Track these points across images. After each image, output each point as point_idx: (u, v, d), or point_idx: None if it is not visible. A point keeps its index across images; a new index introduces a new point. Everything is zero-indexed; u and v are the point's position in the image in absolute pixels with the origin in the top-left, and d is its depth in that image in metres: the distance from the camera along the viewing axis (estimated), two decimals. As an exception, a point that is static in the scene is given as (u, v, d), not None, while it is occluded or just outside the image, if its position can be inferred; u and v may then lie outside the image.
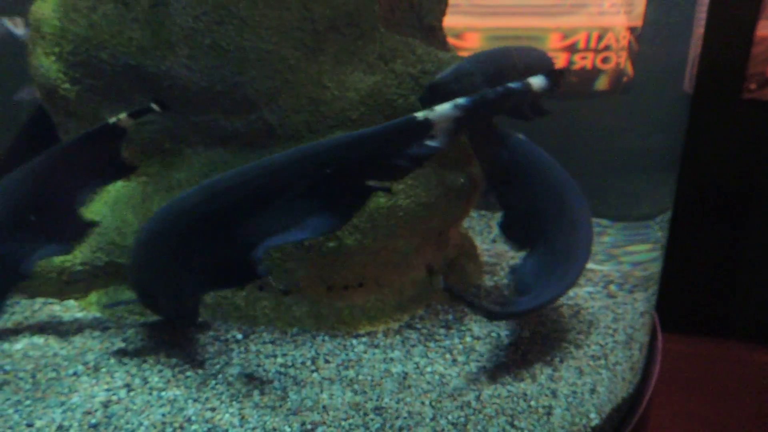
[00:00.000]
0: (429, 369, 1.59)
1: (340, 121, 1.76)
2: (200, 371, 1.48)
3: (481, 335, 1.79)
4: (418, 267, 2.01)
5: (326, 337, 1.74)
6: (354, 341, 1.75)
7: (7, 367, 1.51)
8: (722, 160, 2.86)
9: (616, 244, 2.62)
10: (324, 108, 1.74)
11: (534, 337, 1.75)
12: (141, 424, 1.28)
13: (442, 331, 1.85)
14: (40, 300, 1.93)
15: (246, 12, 1.63)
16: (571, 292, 2.13)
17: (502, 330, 1.82)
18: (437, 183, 1.88)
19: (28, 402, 1.35)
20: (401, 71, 1.82)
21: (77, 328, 1.78)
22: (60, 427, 1.27)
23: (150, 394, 1.37)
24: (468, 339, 1.77)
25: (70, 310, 1.90)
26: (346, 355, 1.64)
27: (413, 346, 1.75)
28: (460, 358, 1.65)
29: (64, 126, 1.97)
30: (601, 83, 2.64)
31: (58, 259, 1.88)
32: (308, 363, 1.56)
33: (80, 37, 1.73)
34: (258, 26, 1.64)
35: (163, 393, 1.36)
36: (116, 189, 1.95)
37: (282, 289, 1.80)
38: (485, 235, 2.77)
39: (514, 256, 2.55)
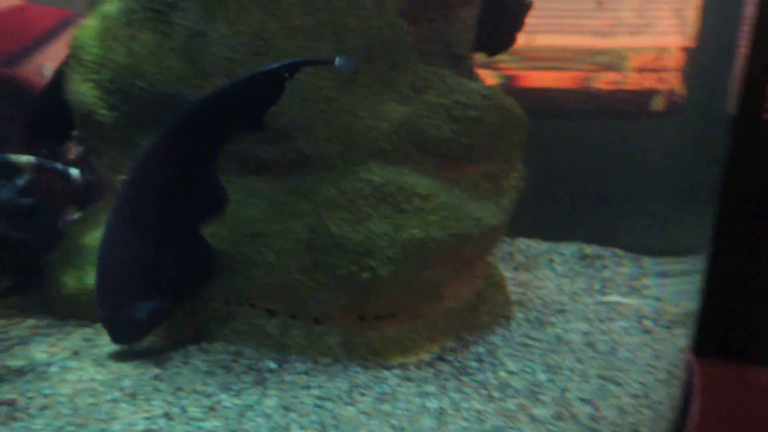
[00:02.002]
0: (465, 405, 1.55)
1: (374, 151, 1.76)
2: (237, 401, 1.46)
3: (515, 370, 1.75)
4: (448, 298, 1.98)
5: (359, 369, 1.71)
6: (387, 373, 1.72)
7: (46, 391, 1.50)
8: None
9: (634, 276, 2.57)
10: (357, 138, 1.74)
11: (572, 373, 1.71)
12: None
13: (474, 364, 1.81)
14: (72, 322, 1.93)
15: (282, 43, 1.64)
16: (603, 326, 2.09)
17: (536, 365, 1.78)
18: (469, 214, 1.87)
19: (70, 428, 1.34)
20: (433, 102, 1.82)
21: (110, 352, 1.77)
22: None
23: (189, 424, 1.35)
24: (502, 373, 1.74)
25: (102, 333, 1.89)
26: (381, 388, 1.61)
27: (446, 380, 1.71)
28: (496, 394, 1.61)
29: (97, 150, 1.99)
30: (657, 104, 2.61)
31: (90, 282, 1.88)
32: (344, 396, 1.54)
33: (119, 65, 1.76)
34: (293, 57, 1.65)
35: (202, 424, 1.35)
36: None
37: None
38: (507, 262, 2.75)
39: (540, 285, 2.53)
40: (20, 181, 1.99)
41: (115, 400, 1.47)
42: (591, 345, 1.92)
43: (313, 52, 1.66)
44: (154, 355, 1.74)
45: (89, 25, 1.87)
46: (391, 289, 1.75)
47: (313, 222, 1.73)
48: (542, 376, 1.70)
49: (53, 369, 1.65)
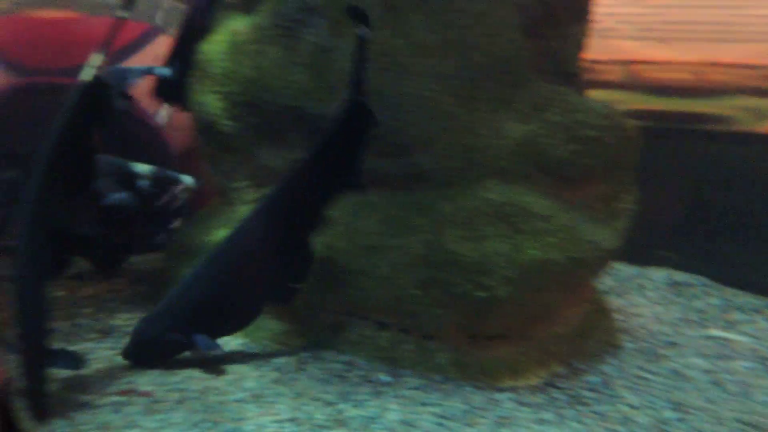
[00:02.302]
0: (589, 436, 1.48)
1: (493, 169, 1.73)
2: (360, 412, 1.46)
3: (637, 404, 1.67)
4: (559, 321, 1.92)
5: (472, 389, 1.68)
6: (499, 395, 1.67)
7: (181, 385, 1.56)
8: None
9: (723, 309, 2.44)
10: (477, 155, 1.72)
11: (703, 413, 1.60)
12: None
13: (589, 394, 1.73)
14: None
15: (408, 60, 1.66)
16: (724, 364, 1.96)
17: (659, 401, 1.68)
18: (586, 237, 1.81)
19: (207, 425, 1.38)
20: (554, 121, 1.78)
21: (228, 351, 1.81)
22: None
23: (315, 431, 1.36)
24: (623, 407, 1.65)
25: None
26: (498, 411, 1.57)
27: (562, 408, 1.64)
28: (620, 429, 1.53)
29: (214, 157, 2.07)
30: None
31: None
32: (462, 416, 1.51)
33: (246, 78, 1.83)
34: (419, 74, 1.66)
35: (330, 432, 1.35)
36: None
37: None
38: (598, 286, 2.63)
39: (637, 313, 2.41)
40: (140, 186, 2.10)
41: (241, 401, 1.50)
42: (717, 384, 1.80)
43: (437, 69, 1.66)
44: (270, 359, 1.77)
45: (217, 40, 1.96)
46: (505, 309, 1.71)
47: (429, 237, 1.72)
48: (669, 414, 1.61)
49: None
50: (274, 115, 1.83)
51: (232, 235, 1.72)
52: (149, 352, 1.69)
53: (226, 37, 1.92)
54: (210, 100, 1.95)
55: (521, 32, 1.78)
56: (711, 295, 2.53)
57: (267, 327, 1.92)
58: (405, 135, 1.70)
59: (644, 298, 2.62)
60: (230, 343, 1.85)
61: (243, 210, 2.01)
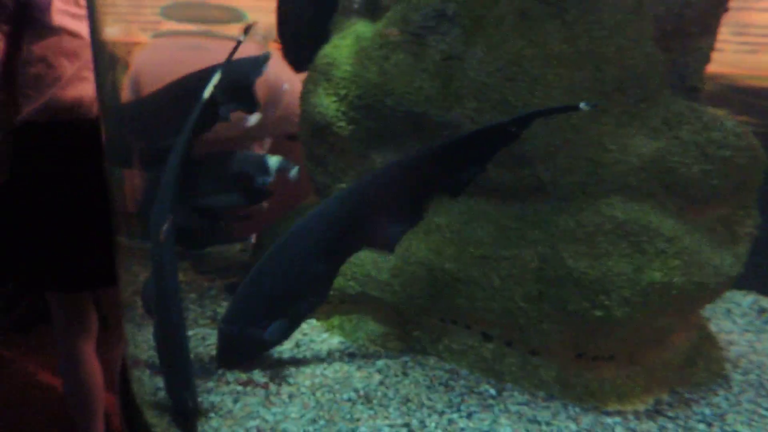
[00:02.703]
0: (710, 472, 1.42)
1: (618, 186, 1.69)
2: (471, 424, 1.47)
3: (759, 441, 1.58)
4: (668, 346, 1.85)
5: (578, 409, 1.65)
6: (607, 419, 1.63)
7: (290, 380, 1.61)
8: None
9: None
10: (602, 171, 1.68)
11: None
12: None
13: (701, 426, 1.67)
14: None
15: (539, 71, 1.63)
16: None
17: (784, 438, 1.59)
18: (709, 261, 1.73)
19: (322, 422, 1.42)
20: (687, 139, 1.71)
21: (328, 349, 1.86)
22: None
23: (430, 438, 1.38)
24: (743, 443, 1.57)
25: (315, 328, 2.00)
26: (608, 435, 1.53)
27: (675, 438, 1.59)
28: (743, 467, 1.46)
29: (320, 157, 2.12)
30: None
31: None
32: (576, 438, 1.48)
33: (371, 83, 1.86)
34: (549, 85, 1.64)
35: (444, 441, 1.36)
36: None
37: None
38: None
39: (732, 340, 2.28)
40: (262, 182, 2.17)
41: (351, 401, 1.53)
42: None
43: (569, 81, 1.63)
44: (372, 360, 1.80)
45: (341, 44, 2.00)
46: (620, 331, 1.67)
47: (545, 251, 1.70)
48: (799, 456, 1.52)
49: (285, 356, 1.76)
50: (394, 120, 1.85)
51: (305, 221, 1.72)
52: (236, 352, 1.72)
53: (351, 41, 1.95)
54: (327, 102, 1.99)
55: (656, 45, 1.72)
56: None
57: (366, 328, 1.96)
58: (527, 146, 1.69)
59: (734, 324, 2.48)
60: (329, 341, 1.89)
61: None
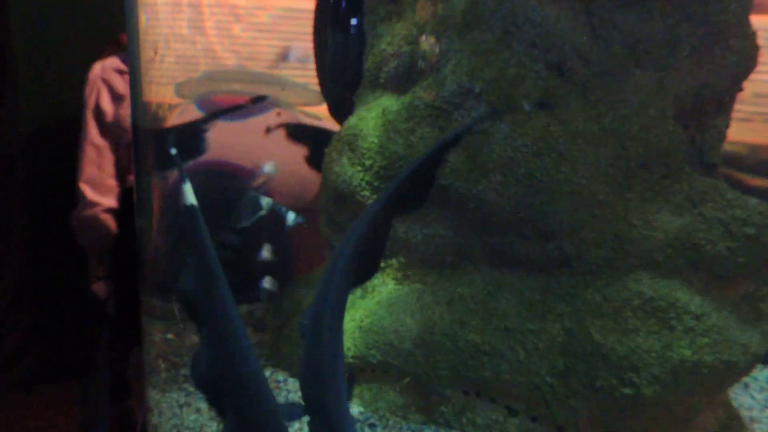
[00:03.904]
0: None
1: (645, 261, 1.70)
2: None
3: None
4: (696, 426, 1.81)
5: (607, 493, 1.59)
6: (638, 504, 1.57)
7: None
8: None
9: None
10: (629, 246, 1.70)
11: None
12: None
13: None
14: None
15: (565, 147, 1.68)
16: None
17: None
18: (737, 340, 1.72)
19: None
20: (710, 216, 1.73)
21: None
22: None
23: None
24: None
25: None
26: None
27: None
28: None
29: (333, 218, 2.13)
30: None
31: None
32: None
33: (397, 154, 1.90)
34: (575, 161, 1.68)
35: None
36: (389, 290, 2.04)
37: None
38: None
39: (754, 418, 2.23)
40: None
41: None
42: None
43: (594, 158, 1.67)
44: (393, 431, 1.77)
45: (367, 116, 2.06)
46: (651, 410, 1.64)
47: (571, 326, 1.69)
48: None
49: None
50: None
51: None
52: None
53: (377, 113, 2.01)
54: (351, 172, 2.03)
55: (677, 124, 1.77)
56: None
57: (387, 398, 1.93)
58: (554, 220, 1.71)
59: (753, 399, 2.43)
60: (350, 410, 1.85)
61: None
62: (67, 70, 3.17)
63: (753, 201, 1.81)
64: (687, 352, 1.61)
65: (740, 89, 2.01)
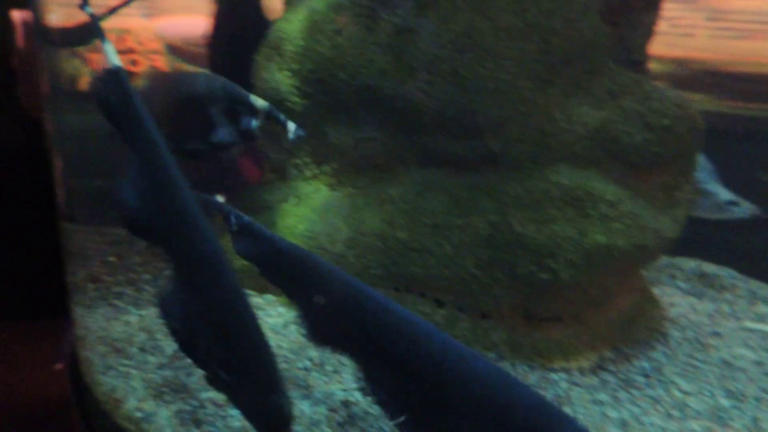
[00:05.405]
0: (646, 419, 1.54)
1: (565, 154, 1.76)
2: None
3: (691, 391, 1.71)
4: (611, 307, 1.96)
5: (525, 368, 1.74)
6: (553, 375, 1.73)
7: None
8: None
9: (750, 301, 2.42)
10: (550, 140, 1.75)
11: (759, 404, 1.64)
12: (382, 429, 1.35)
13: (640, 378, 1.78)
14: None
15: (490, 42, 1.67)
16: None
17: (713, 388, 1.72)
18: (649, 225, 1.83)
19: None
20: (629, 108, 1.79)
21: (284, 322, 1.90)
22: (311, 419, 1.36)
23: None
24: (676, 393, 1.70)
25: (271, 304, 2.03)
26: (554, 390, 1.63)
27: (615, 390, 1.70)
28: (675, 413, 1.58)
29: (279, 136, 2.10)
30: None
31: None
32: (524, 394, 1.56)
33: (323, 56, 1.86)
34: (499, 56, 1.68)
35: (398, 404, 1.42)
36: (322, 197, 2.06)
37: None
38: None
39: (674, 303, 2.42)
40: (248, 123, 1.91)
41: (306, 369, 1.58)
42: (769, 375, 1.83)
43: (518, 53, 1.68)
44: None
45: (293, 18, 1.99)
46: (567, 293, 1.76)
47: (495, 219, 1.76)
48: (724, 402, 1.65)
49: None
50: (348, 94, 1.87)
51: None
52: None
53: (304, 15, 1.94)
54: (280, 78, 1.98)
55: (601, 18, 1.78)
56: (738, 288, 2.53)
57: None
58: (479, 117, 1.73)
59: (677, 288, 2.64)
60: (286, 315, 1.92)
61: (301, 186, 2.08)
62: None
63: (671, 93, 1.87)
64: (601, 237, 1.71)
65: (669, -15, 2.01)
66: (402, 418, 1.11)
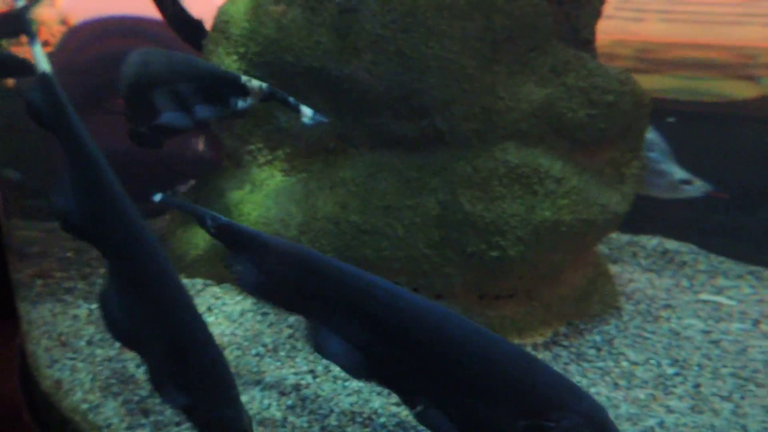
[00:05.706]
0: (594, 390, 1.57)
1: (511, 132, 1.77)
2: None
3: (638, 361, 1.75)
4: (564, 283, 1.99)
5: (480, 345, 1.75)
6: (507, 352, 1.75)
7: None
8: None
9: (711, 275, 2.50)
10: (496, 118, 1.76)
11: (701, 369, 1.69)
12: (332, 410, 1.34)
13: (591, 351, 1.82)
14: (199, 281, 2.06)
15: (432, 21, 1.67)
16: (720, 325, 2.04)
17: (659, 357, 1.77)
18: (597, 200, 1.86)
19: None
20: (572, 85, 1.81)
21: (241, 311, 1.88)
22: (262, 404, 1.35)
23: (335, 382, 1.43)
24: (624, 363, 1.74)
25: (229, 293, 2.01)
26: (506, 365, 1.64)
27: (567, 364, 1.73)
28: (622, 383, 1.62)
29: (231, 122, 2.08)
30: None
31: (220, 245, 1.99)
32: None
33: (268, 39, 1.84)
34: (442, 35, 1.68)
35: (347, 383, 1.42)
36: (276, 182, 2.05)
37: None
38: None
39: (632, 278, 2.48)
40: (241, 104, 1.75)
41: (259, 355, 1.57)
42: (714, 343, 1.88)
43: (461, 31, 1.68)
44: (284, 316, 1.84)
45: (238, 0, 1.96)
46: (517, 269, 1.78)
47: (445, 198, 1.77)
48: (669, 370, 1.69)
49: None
50: (294, 76, 1.85)
51: None
52: None
53: (248, -4, 1.91)
54: (227, 61, 1.95)
55: (547, -2, 1.79)
56: (699, 262, 2.60)
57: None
58: (425, 97, 1.73)
59: (638, 265, 2.70)
60: (243, 303, 1.90)
61: (255, 172, 2.05)
62: None
63: (614, 70, 1.90)
64: (548, 213, 1.73)
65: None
66: (420, 408, 1.10)
